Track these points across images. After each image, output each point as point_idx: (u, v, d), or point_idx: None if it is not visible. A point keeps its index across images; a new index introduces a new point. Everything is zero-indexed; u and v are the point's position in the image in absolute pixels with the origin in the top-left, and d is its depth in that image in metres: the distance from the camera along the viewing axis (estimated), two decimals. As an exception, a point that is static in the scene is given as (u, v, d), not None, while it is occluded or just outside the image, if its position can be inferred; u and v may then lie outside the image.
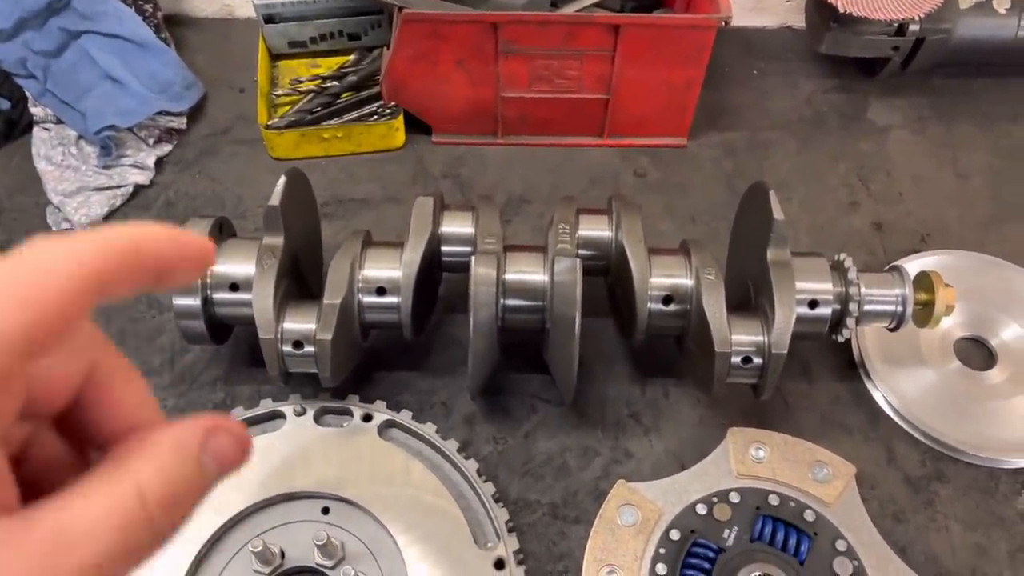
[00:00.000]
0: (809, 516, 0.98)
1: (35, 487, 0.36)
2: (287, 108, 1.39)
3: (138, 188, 1.31)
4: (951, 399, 1.11)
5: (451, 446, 1.03)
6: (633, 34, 1.19)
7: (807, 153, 1.39)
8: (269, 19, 1.40)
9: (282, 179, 0.99)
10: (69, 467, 0.41)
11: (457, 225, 1.07)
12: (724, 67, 1.50)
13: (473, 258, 0.95)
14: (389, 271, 1.01)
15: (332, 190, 1.32)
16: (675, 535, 0.97)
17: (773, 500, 0.99)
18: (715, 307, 0.96)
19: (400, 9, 1.22)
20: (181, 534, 1.00)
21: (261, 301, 0.96)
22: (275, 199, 0.98)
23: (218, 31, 1.56)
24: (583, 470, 1.06)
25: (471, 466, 1.01)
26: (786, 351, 0.94)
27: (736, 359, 0.96)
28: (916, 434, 1.08)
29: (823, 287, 1.00)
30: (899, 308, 1.02)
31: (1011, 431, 1.08)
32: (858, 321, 1.01)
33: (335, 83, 1.39)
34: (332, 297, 0.96)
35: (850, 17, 1.30)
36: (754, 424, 1.06)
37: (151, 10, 1.42)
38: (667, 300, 1.01)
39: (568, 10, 1.33)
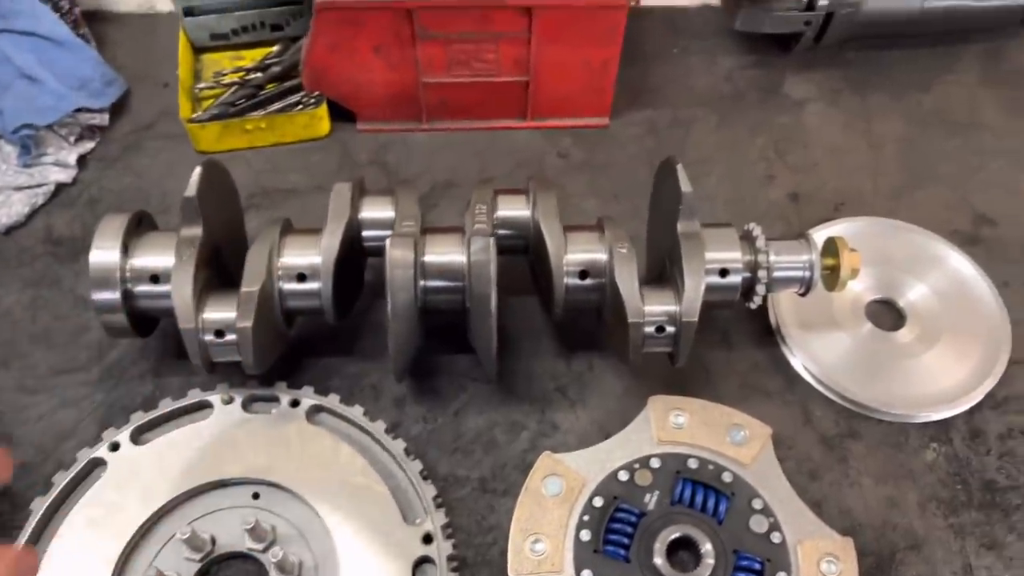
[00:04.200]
0: (727, 477, 1.01)
1: None
2: (211, 101, 1.39)
3: (60, 186, 1.30)
4: (864, 360, 1.15)
5: (379, 427, 1.05)
6: (546, 16, 1.21)
7: (727, 128, 1.43)
8: (189, 12, 1.39)
9: (197, 170, 0.99)
10: None
11: (376, 210, 1.08)
12: (646, 46, 1.53)
13: (388, 241, 0.96)
14: (308, 257, 1.02)
15: (258, 181, 1.33)
16: (598, 502, 1.00)
17: (692, 464, 1.02)
18: (627, 279, 0.98)
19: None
20: (109, 527, 1.00)
21: (180, 291, 0.97)
22: (191, 190, 0.99)
23: (140, 26, 1.54)
24: (511, 444, 1.09)
25: (398, 446, 1.03)
26: (696, 319, 0.97)
27: (649, 328, 0.99)
28: (831, 395, 1.12)
29: (732, 256, 1.03)
30: (807, 273, 1.06)
31: (919, 387, 1.12)
32: (768, 288, 1.05)
33: (258, 74, 1.40)
34: (250, 285, 0.97)
35: (760, -7, 1.34)
36: (676, 392, 1.09)
37: (68, 6, 1.40)
38: (583, 275, 1.03)
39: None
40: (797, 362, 1.15)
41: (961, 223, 1.30)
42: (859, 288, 1.19)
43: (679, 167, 1.01)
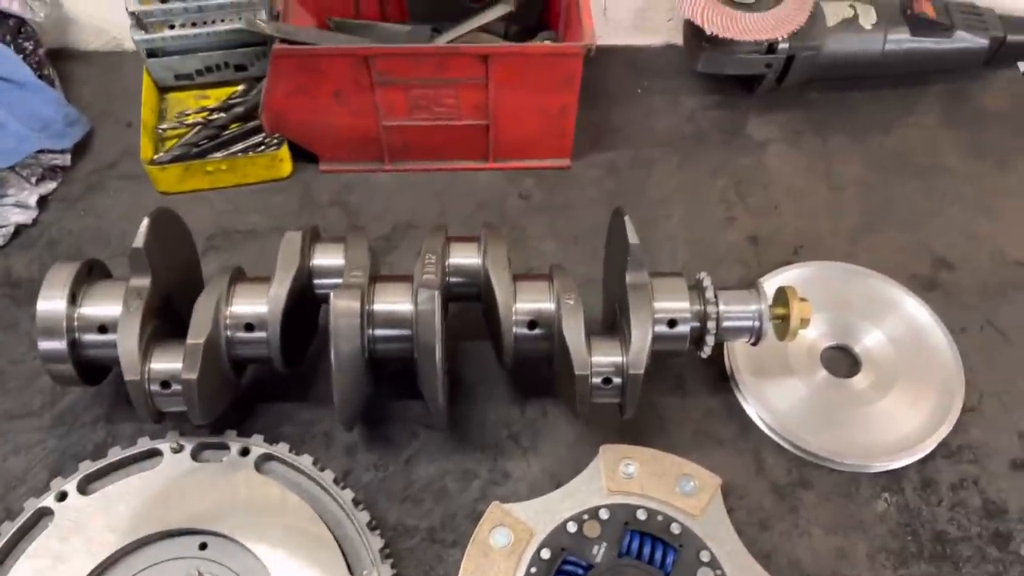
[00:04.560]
0: (675, 529, 1.01)
1: None
2: (174, 141, 1.39)
3: (20, 227, 1.31)
4: (818, 407, 1.15)
5: (328, 477, 1.04)
6: (502, 63, 1.22)
7: (688, 169, 1.43)
8: (152, 54, 1.40)
9: (145, 221, 1.00)
10: None
11: (328, 257, 1.09)
12: (609, 86, 1.54)
13: (333, 292, 0.97)
14: (256, 307, 1.02)
15: (219, 222, 1.33)
16: (546, 554, 0.99)
17: (641, 515, 1.02)
18: (574, 331, 0.99)
19: (275, 43, 1.23)
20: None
21: (126, 342, 0.97)
22: (138, 241, 0.99)
23: (106, 64, 1.55)
24: (462, 493, 1.08)
25: (347, 496, 1.03)
26: (642, 371, 0.97)
27: (596, 380, 0.99)
28: (784, 443, 1.12)
29: (681, 306, 1.04)
30: (756, 323, 1.06)
31: (873, 436, 1.12)
32: (717, 337, 1.05)
33: (222, 115, 1.40)
34: (196, 336, 0.97)
35: (721, 38, 1.34)
36: (629, 440, 1.09)
37: (31, 47, 1.41)
38: (532, 325, 1.03)
39: (448, 36, 1.36)
40: (751, 409, 1.15)
41: (919, 267, 1.30)
42: (814, 335, 1.19)
43: (626, 219, 1.02)
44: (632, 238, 1.00)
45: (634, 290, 1.00)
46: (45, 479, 1.06)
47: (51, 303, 1.00)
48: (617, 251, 1.06)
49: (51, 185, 1.35)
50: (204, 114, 1.40)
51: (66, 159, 1.37)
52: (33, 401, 1.15)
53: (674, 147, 1.46)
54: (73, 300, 1.01)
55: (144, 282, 1.00)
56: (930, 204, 1.39)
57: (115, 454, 1.06)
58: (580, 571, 0.98)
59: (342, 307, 0.96)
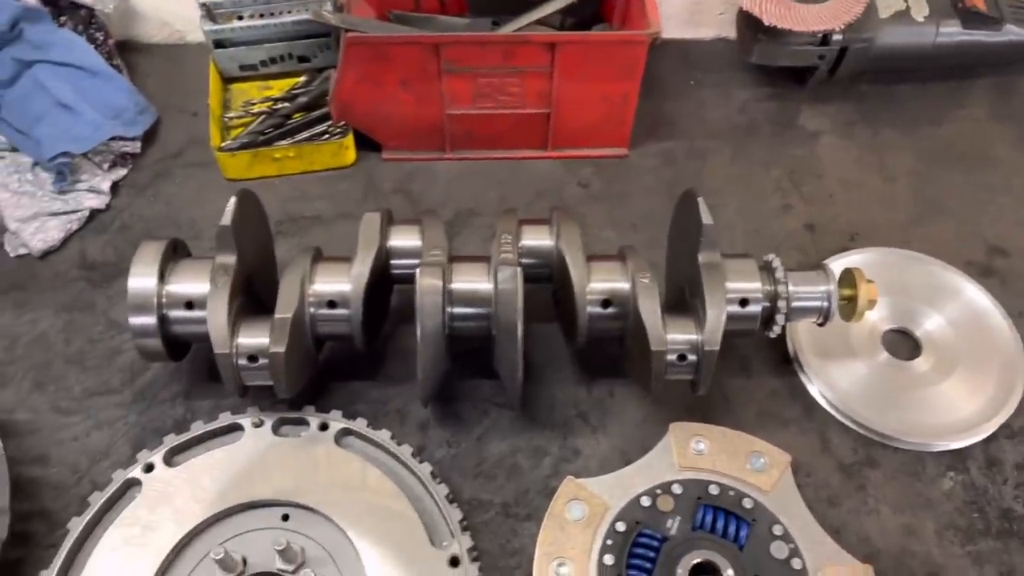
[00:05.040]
0: (747, 504, 1.03)
1: None
2: (240, 130, 1.42)
3: (94, 212, 1.34)
4: (880, 388, 1.17)
5: (405, 451, 1.07)
6: (568, 51, 1.24)
7: (742, 160, 1.46)
8: (219, 44, 1.43)
9: (232, 199, 1.03)
10: None
11: (404, 239, 1.11)
12: (663, 78, 1.56)
13: (418, 270, 0.99)
14: (339, 285, 1.05)
15: (285, 208, 1.36)
16: (621, 527, 1.01)
17: (713, 490, 1.04)
18: (650, 309, 1.01)
19: (345, 32, 1.26)
20: (144, 547, 1.02)
21: (215, 317, 1.00)
22: (226, 219, 1.02)
23: (169, 56, 1.59)
24: (533, 469, 1.11)
25: (425, 469, 1.05)
26: (718, 347, 1.00)
27: (672, 357, 1.02)
28: (848, 423, 1.14)
29: (752, 286, 1.06)
30: (825, 304, 1.08)
31: (936, 416, 1.14)
32: (787, 317, 1.07)
33: (286, 104, 1.43)
34: (284, 311, 1.00)
35: (776, 29, 1.37)
36: (696, 419, 1.11)
37: (102, 38, 1.44)
38: (606, 304, 1.06)
39: (507, 29, 1.38)
40: (815, 389, 1.17)
41: (974, 255, 1.32)
42: (875, 317, 1.21)
43: (700, 200, 1.04)
44: (706, 218, 1.03)
45: (708, 269, 1.03)
46: (128, 453, 1.09)
47: (142, 280, 1.03)
48: (685, 233, 1.09)
49: (122, 172, 1.39)
50: (269, 103, 1.44)
51: (136, 146, 1.40)
52: (113, 379, 1.18)
53: (727, 138, 1.49)
54: (161, 277, 1.04)
55: (230, 259, 1.03)
56: (981, 194, 1.41)
57: (197, 428, 1.08)
58: (655, 543, 1.00)
59: (428, 285, 0.99)
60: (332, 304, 1.05)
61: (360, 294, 1.04)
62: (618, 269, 1.06)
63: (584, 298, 1.05)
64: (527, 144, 1.41)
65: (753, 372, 1.20)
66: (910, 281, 1.26)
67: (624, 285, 1.05)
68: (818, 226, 1.36)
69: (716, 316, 1.00)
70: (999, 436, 1.13)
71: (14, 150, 1.37)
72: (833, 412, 1.15)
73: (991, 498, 1.08)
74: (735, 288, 1.05)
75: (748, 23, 1.45)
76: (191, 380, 1.17)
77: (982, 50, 1.50)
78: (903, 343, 1.23)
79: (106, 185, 1.35)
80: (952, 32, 1.46)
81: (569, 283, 1.05)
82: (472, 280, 1.04)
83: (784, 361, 1.21)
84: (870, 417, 1.13)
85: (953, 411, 1.15)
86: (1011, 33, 1.49)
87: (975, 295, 1.24)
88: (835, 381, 1.17)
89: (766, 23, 1.35)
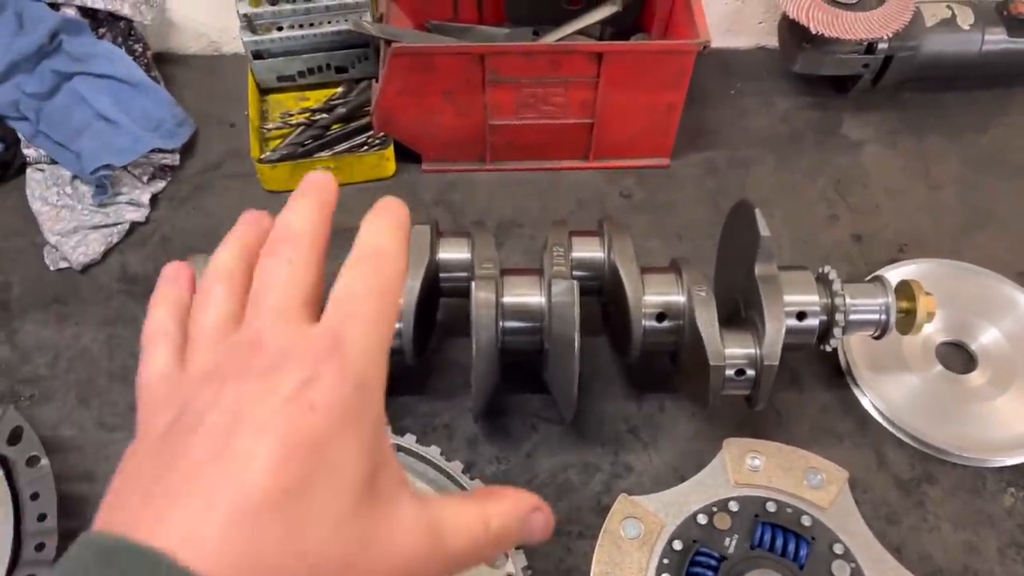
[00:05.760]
0: (806, 521, 1.01)
1: None
2: (278, 141, 1.41)
3: (134, 225, 1.33)
4: (935, 402, 1.15)
5: (456, 467, 1.05)
6: (616, 61, 1.23)
7: (785, 169, 1.44)
8: (257, 55, 1.42)
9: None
10: None
11: (454, 251, 1.10)
12: (703, 87, 1.55)
13: (473, 283, 0.98)
14: (390, 299, 1.03)
15: (326, 221, 1.35)
16: (678, 545, 1.00)
17: (771, 507, 1.02)
18: (707, 322, 0.99)
19: (389, 43, 1.25)
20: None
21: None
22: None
23: (205, 68, 1.58)
24: (585, 486, 1.09)
25: (476, 485, 1.04)
26: (777, 362, 0.98)
27: (730, 372, 1.00)
28: (904, 438, 1.12)
29: (810, 299, 1.04)
30: (883, 316, 1.06)
31: (994, 431, 1.12)
32: (844, 330, 1.05)
33: (324, 115, 1.42)
34: (337, 326, 0.99)
35: (821, 37, 1.35)
36: (748, 434, 1.09)
37: (141, 50, 1.44)
38: (660, 317, 1.04)
39: (549, 39, 1.37)
40: (868, 403, 1.15)
41: (1026, 265, 1.30)
42: (930, 330, 1.19)
43: (757, 211, 1.02)
44: (764, 230, 1.01)
45: (765, 282, 1.01)
46: (174, 469, 1.08)
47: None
48: (739, 244, 1.07)
49: (161, 184, 1.38)
50: (308, 115, 1.43)
51: (175, 158, 1.39)
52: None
53: (770, 147, 1.47)
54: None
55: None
56: (1030, 203, 1.39)
57: (245, 444, 1.07)
58: (714, 562, 0.99)
59: (483, 298, 0.98)
60: (383, 318, 1.03)
61: (411, 307, 1.02)
62: (673, 282, 1.05)
63: (639, 311, 1.03)
64: (568, 154, 1.40)
65: (805, 386, 1.18)
66: (963, 293, 1.24)
67: (680, 298, 1.03)
68: (865, 236, 1.34)
69: (775, 330, 0.98)
70: (1060, 452, 1.11)
71: (53, 163, 1.36)
72: (888, 426, 1.13)
73: (1055, 515, 1.06)
74: (792, 301, 1.03)
75: (792, 31, 1.43)
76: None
77: (1028, 58, 1.48)
78: (957, 356, 1.21)
79: (146, 198, 1.35)
80: (998, 40, 1.44)
81: (623, 296, 1.04)
82: (524, 294, 1.03)
83: (836, 374, 1.19)
84: (926, 431, 1.11)
85: (1011, 426, 1.12)
86: (1057, 40, 1.47)
87: (1031, 307, 1.22)
88: (889, 395, 1.15)
89: (813, 31, 1.33)
